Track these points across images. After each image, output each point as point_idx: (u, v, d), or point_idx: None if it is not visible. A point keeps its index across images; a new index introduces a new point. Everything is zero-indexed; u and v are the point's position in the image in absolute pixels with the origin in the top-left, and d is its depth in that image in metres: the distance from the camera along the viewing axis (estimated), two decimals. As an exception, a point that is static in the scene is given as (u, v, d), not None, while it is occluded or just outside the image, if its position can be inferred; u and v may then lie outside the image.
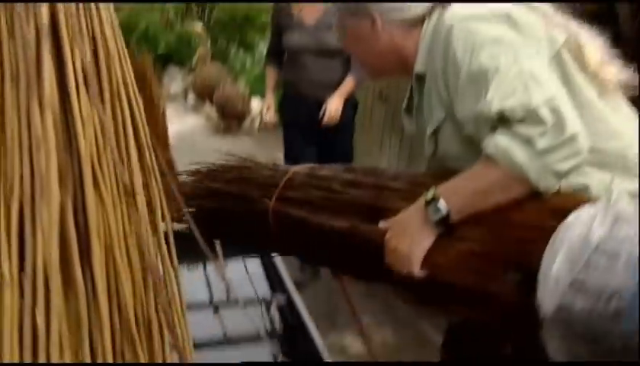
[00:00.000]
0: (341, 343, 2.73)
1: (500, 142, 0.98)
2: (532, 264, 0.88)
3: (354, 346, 2.65)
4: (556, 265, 0.81)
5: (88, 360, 0.66)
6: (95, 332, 0.67)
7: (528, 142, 0.95)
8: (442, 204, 1.04)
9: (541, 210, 1.00)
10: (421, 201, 1.06)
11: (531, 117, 0.96)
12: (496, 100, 0.98)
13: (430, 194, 1.05)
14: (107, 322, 0.68)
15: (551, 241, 0.86)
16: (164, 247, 0.79)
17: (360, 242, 1.13)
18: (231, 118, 6.42)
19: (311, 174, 1.29)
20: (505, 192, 1.01)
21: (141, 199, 0.75)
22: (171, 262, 0.79)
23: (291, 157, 3.02)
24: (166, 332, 0.74)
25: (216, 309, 1.81)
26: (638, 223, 0.80)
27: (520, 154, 0.96)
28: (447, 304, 1.10)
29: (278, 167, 1.41)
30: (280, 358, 1.63)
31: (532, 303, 0.85)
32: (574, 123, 0.97)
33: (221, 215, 1.36)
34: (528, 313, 0.86)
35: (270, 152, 5.12)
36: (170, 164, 3.42)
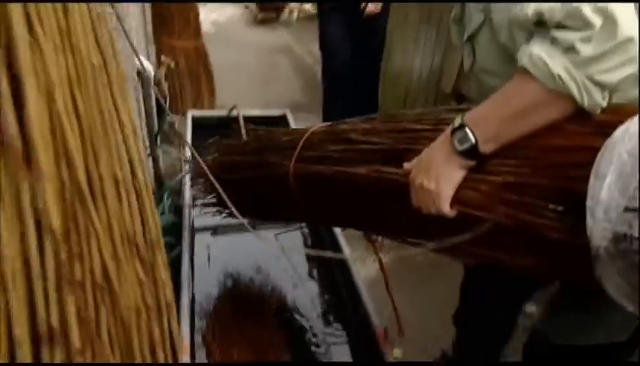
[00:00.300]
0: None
1: (535, 50, 0.80)
2: (577, 191, 0.73)
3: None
4: (605, 189, 0.69)
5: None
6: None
7: (569, 49, 0.77)
8: (469, 132, 0.87)
9: (584, 128, 0.82)
10: (448, 131, 0.90)
11: (573, 18, 0.77)
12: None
13: (457, 122, 0.88)
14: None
15: (596, 162, 0.72)
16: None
17: (384, 187, 0.99)
18: (269, 10, 6.17)
19: (328, 131, 1.19)
20: (543, 112, 0.83)
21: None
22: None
23: (327, 47, 2.94)
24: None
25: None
26: None
27: (558, 63, 0.77)
28: (484, 249, 0.92)
29: (297, 130, 1.30)
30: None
31: (581, 237, 0.71)
32: (628, 24, 0.76)
33: (246, 187, 1.34)
34: (577, 249, 0.73)
35: (306, 44, 4.89)
36: (200, 51, 3.29)
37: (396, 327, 1.98)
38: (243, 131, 2.43)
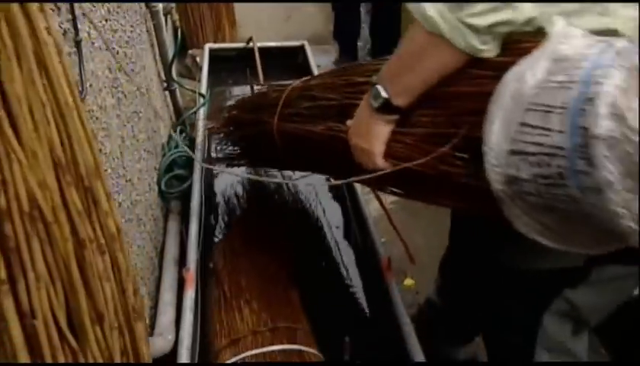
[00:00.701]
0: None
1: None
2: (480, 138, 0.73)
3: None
4: (494, 134, 0.70)
5: None
6: None
7: None
8: (380, 88, 0.90)
9: (494, 72, 0.78)
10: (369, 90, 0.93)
11: None
12: None
13: (373, 79, 0.92)
14: None
15: (488, 107, 0.72)
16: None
17: (338, 143, 1.03)
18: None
19: (302, 87, 1.25)
20: (433, 57, 0.83)
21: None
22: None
23: None
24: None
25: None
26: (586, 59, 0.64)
27: (433, 6, 0.77)
28: (423, 194, 0.98)
29: (284, 87, 1.34)
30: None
31: (485, 182, 0.73)
32: None
33: (249, 140, 1.49)
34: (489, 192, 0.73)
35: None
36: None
37: (408, 260, 1.95)
38: (258, 63, 2.37)
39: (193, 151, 1.95)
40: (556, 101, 0.65)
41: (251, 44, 2.46)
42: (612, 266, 0.97)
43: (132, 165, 1.41)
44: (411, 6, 0.81)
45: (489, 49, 0.80)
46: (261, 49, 2.41)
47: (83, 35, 1.05)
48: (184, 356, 1.20)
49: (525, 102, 0.68)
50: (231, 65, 2.58)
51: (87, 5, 1.12)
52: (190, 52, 3.02)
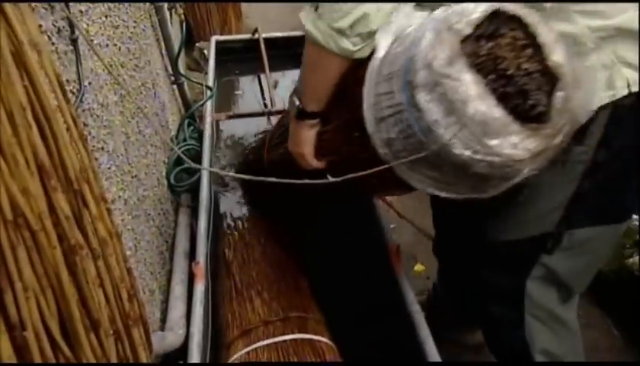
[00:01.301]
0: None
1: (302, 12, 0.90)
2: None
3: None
4: (365, 109, 0.82)
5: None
6: None
7: (313, 4, 0.87)
8: (294, 98, 1.01)
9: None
10: None
11: None
12: None
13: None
14: None
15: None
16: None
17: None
18: None
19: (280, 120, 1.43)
20: (322, 67, 0.92)
21: None
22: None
23: None
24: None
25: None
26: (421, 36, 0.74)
27: (308, 19, 0.87)
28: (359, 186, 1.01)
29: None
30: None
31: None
32: None
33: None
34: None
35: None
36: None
37: (418, 246, 1.92)
38: (264, 53, 2.32)
39: (202, 143, 1.91)
40: (394, 68, 0.76)
41: (256, 35, 2.41)
42: (581, 229, 1.01)
43: (138, 161, 1.38)
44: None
45: (361, 50, 0.87)
46: (267, 40, 2.36)
47: (82, 32, 1.01)
48: (194, 351, 1.17)
49: (376, 75, 0.81)
50: (238, 56, 2.54)
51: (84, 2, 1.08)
52: (197, 45, 2.98)
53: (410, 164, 0.79)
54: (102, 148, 1.07)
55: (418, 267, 1.93)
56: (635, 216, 1.91)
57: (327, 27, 0.85)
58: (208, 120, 2.02)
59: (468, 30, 0.71)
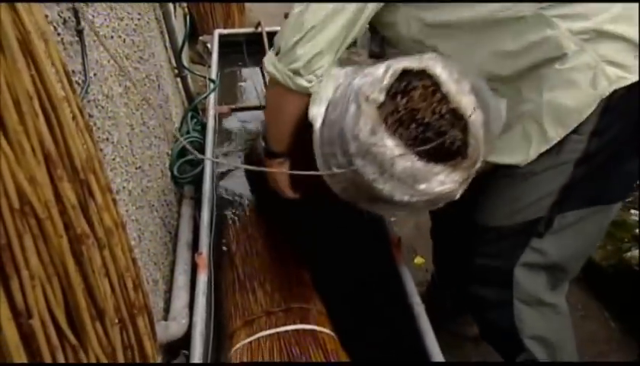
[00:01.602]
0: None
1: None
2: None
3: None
4: (318, 163, 0.96)
5: None
6: None
7: (274, 48, 0.98)
8: (261, 139, 1.12)
9: None
10: None
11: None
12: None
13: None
14: None
15: None
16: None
17: None
18: None
19: None
20: (284, 107, 1.02)
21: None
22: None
23: None
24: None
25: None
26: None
27: (270, 62, 0.98)
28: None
29: None
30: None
31: None
32: (314, 14, 0.92)
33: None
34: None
35: None
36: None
37: (418, 239, 1.91)
38: (267, 47, 2.31)
39: (205, 136, 1.91)
40: (333, 133, 0.92)
41: (259, 29, 2.40)
42: (572, 212, 1.04)
43: (142, 153, 1.37)
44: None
45: (314, 86, 0.96)
46: (270, 33, 2.35)
47: (89, 23, 1.00)
48: (197, 340, 1.17)
49: (320, 140, 0.95)
50: (241, 49, 2.54)
51: (89, -7, 1.07)
52: (200, 38, 2.96)
53: (367, 203, 0.93)
54: (107, 139, 1.06)
55: (418, 259, 1.93)
56: (633, 211, 1.91)
57: (287, 69, 0.95)
58: (211, 112, 2.01)
59: (382, 98, 0.83)
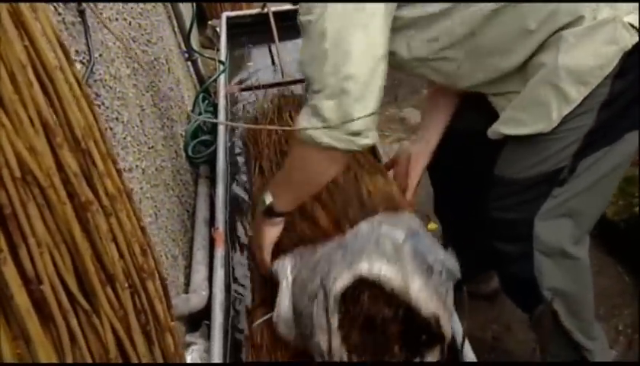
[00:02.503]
0: (401, 115, 2.54)
1: (299, 123, 0.92)
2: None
3: (412, 118, 2.45)
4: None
5: None
6: None
7: (325, 119, 0.88)
8: (267, 196, 1.02)
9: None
10: None
11: (318, 83, 0.89)
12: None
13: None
14: None
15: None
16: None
17: None
18: None
19: None
20: (323, 165, 0.95)
21: None
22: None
23: None
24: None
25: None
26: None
27: (323, 134, 0.89)
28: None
29: None
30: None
31: None
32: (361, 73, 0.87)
33: None
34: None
35: None
36: None
37: (431, 205, 1.90)
38: (273, 27, 2.28)
39: (217, 116, 1.90)
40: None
41: (265, 10, 2.37)
42: (593, 154, 1.00)
43: (154, 133, 1.37)
44: (303, 135, 0.91)
45: (371, 142, 0.92)
46: (277, 13, 2.32)
47: (89, 5, 0.99)
48: (217, 311, 1.17)
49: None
50: (249, 29, 2.51)
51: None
52: (209, 23, 2.94)
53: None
54: (116, 118, 1.05)
55: (431, 225, 1.91)
56: (644, 167, 1.86)
57: (344, 134, 0.88)
58: (222, 93, 2.00)
59: (337, 311, 0.86)
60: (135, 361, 0.60)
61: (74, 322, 0.55)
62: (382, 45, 0.90)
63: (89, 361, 0.56)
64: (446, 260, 0.94)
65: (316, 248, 1.01)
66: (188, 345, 1.19)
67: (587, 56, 0.91)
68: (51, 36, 0.54)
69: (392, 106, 2.50)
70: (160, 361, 0.65)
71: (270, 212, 1.03)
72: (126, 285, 0.59)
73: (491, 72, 1.01)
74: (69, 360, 0.54)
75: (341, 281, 0.85)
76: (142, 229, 0.67)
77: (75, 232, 0.55)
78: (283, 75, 2.04)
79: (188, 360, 1.13)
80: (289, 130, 1.34)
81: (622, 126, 1.00)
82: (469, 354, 1.03)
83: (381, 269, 0.85)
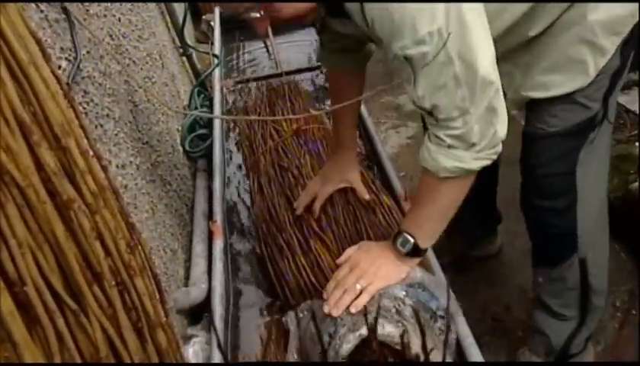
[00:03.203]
0: (396, 102, 2.51)
1: (443, 162, 0.86)
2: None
3: (407, 105, 2.42)
4: None
5: None
6: None
7: (469, 145, 0.84)
8: (408, 236, 0.96)
9: None
10: (388, 242, 1.01)
11: (451, 113, 0.82)
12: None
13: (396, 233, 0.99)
14: None
15: None
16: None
17: None
18: None
19: None
20: (465, 189, 0.92)
21: None
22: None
23: None
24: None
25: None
26: None
27: (467, 160, 0.85)
28: None
29: None
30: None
31: None
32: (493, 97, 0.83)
33: None
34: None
35: None
36: None
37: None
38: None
39: (212, 110, 1.87)
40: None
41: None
42: (615, 91, 1.02)
43: (149, 129, 1.34)
44: (444, 171, 0.86)
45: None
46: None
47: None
48: (216, 303, 1.15)
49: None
50: (243, 23, 2.47)
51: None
52: (204, 17, 2.90)
53: None
54: (107, 115, 1.03)
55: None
56: (638, 144, 1.83)
57: (487, 155, 0.85)
58: (217, 87, 1.97)
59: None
60: (127, 359, 0.58)
61: (61, 322, 0.52)
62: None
63: (79, 361, 0.54)
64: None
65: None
66: (190, 337, 1.17)
67: (616, 7, 0.91)
68: (24, 33, 0.52)
69: (387, 93, 2.47)
70: (154, 357, 0.63)
71: (417, 251, 0.97)
72: (114, 283, 0.57)
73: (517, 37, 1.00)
74: (57, 361, 0.52)
75: (347, 345, 0.87)
76: (131, 225, 0.65)
77: (57, 232, 0.52)
78: (277, 67, 2.02)
79: (190, 352, 1.12)
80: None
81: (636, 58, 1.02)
82: (475, 354, 1.00)
83: (384, 329, 0.87)
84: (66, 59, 0.88)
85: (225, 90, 2.03)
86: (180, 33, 2.06)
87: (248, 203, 1.54)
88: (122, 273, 0.59)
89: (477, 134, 0.81)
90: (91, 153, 0.61)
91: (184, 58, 2.23)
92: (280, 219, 1.35)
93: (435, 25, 0.72)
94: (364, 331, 0.88)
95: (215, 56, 2.07)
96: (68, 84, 0.83)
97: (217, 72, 2.03)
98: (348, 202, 1.33)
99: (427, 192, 0.93)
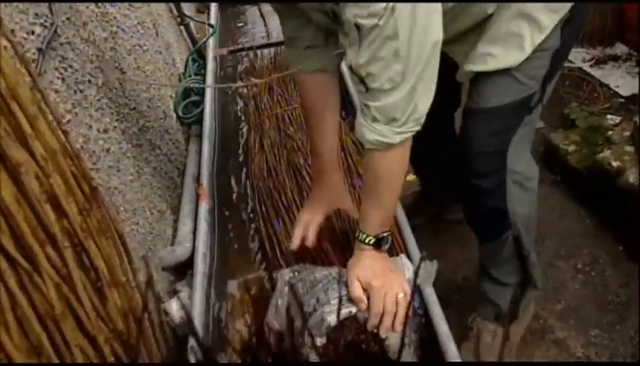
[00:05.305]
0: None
1: (368, 136, 0.82)
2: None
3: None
4: None
5: None
6: None
7: (390, 120, 0.80)
8: (365, 233, 0.91)
9: None
10: (367, 250, 0.93)
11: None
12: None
13: (369, 240, 0.91)
14: None
15: None
16: None
17: None
18: None
19: None
20: (405, 162, 0.86)
21: None
22: None
23: None
24: None
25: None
26: None
27: (389, 133, 0.80)
28: None
29: None
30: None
31: None
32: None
33: None
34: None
35: None
36: None
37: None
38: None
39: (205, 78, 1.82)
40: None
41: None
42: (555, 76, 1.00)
43: (137, 95, 1.30)
44: (371, 143, 0.82)
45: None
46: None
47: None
48: (199, 261, 1.14)
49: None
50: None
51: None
52: (202, -10, 2.80)
53: None
54: (89, 81, 0.98)
55: (410, 177, 1.85)
56: (609, 116, 1.78)
57: (410, 127, 0.81)
58: (210, 55, 1.92)
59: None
60: (83, 316, 0.56)
61: (12, 281, 0.50)
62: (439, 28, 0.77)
63: (33, 317, 0.52)
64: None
65: (315, 269, 0.98)
66: (174, 292, 1.16)
67: None
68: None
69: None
70: (115, 314, 0.61)
71: (380, 242, 0.92)
72: (67, 244, 0.54)
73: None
74: (10, 318, 0.50)
75: (331, 319, 0.87)
76: (93, 189, 0.62)
77: (6, 195, 0.50)
78: (269, 37, 1.96)
79: (173, 305, 1.11)
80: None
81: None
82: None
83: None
84: (41, 25, 0.83)
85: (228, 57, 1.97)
86: (177, 1, 1.99)
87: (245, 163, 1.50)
88: (79, 235, 0.57)
89: (399, 109, 0.77)
90: (50, 118, 0.58)
91: (182, 27, 2.16)
92: (280, 180, 1.33)
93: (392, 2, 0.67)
94: (353, 309, 0.89)
95: (210, 25, 2.00)
96: (40, 49, 0.78)
97: (212, 41, 1.96)
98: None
99: (366, 170, 0.89)
